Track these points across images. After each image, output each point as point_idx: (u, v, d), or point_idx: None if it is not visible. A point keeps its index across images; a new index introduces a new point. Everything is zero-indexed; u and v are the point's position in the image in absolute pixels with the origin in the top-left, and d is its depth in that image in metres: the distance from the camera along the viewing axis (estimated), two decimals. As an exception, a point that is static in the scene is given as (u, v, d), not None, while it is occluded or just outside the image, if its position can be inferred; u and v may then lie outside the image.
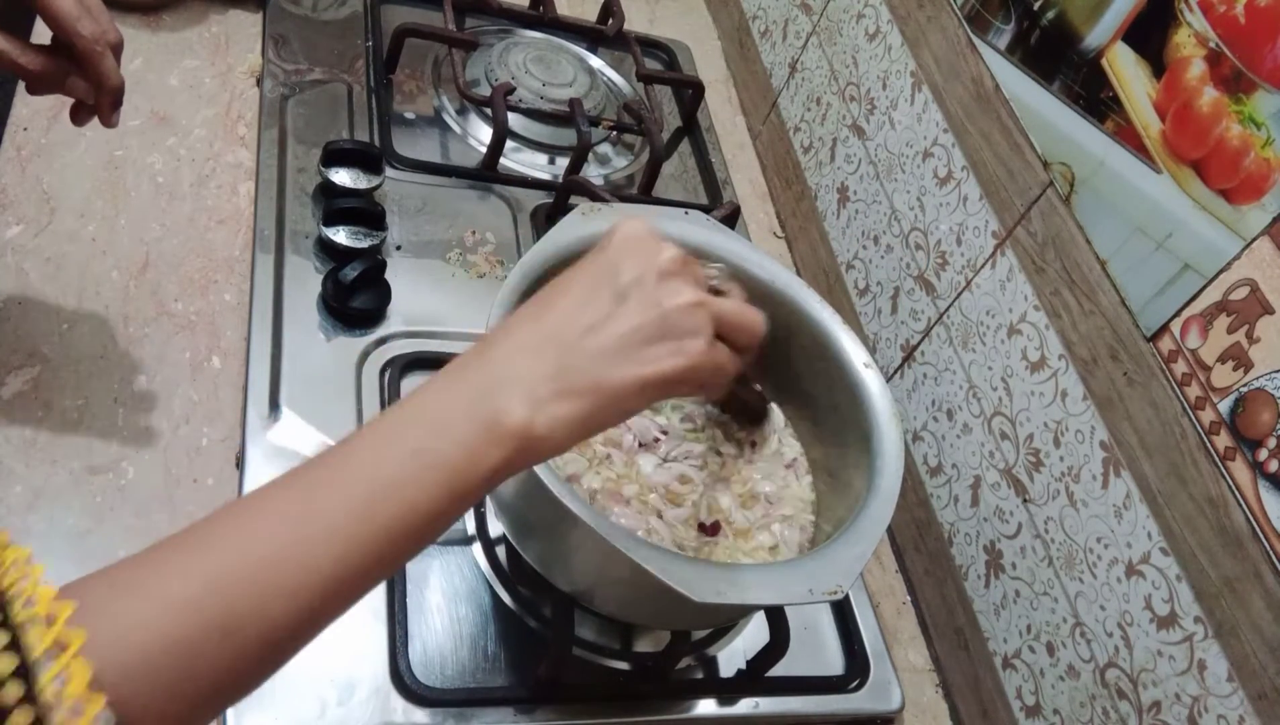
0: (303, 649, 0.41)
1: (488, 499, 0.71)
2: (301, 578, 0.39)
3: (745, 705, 0.71)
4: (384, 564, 0.42)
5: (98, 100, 0.62)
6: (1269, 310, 0.59)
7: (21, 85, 0.74)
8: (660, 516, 0.65)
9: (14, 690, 0.32)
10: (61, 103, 0.65)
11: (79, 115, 0.63)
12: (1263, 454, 0.59)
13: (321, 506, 0.41)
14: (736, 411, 0.73)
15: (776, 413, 0.75)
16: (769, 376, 0.75)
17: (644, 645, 0.72)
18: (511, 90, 0.98)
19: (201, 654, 0.37)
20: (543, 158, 1.00)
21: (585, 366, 0.45)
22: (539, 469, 0.54)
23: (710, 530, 0.66)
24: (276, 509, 0.41)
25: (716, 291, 0.53)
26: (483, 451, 0.43)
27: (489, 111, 0.96)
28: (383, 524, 0.41)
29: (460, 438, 0.43)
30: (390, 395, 0.76)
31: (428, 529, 0.43)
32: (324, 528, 0.40)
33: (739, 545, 0.67)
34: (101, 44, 0.59)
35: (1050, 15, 0.77)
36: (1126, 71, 0.70)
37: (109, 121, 0.63)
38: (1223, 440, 0.61)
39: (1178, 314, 0.65)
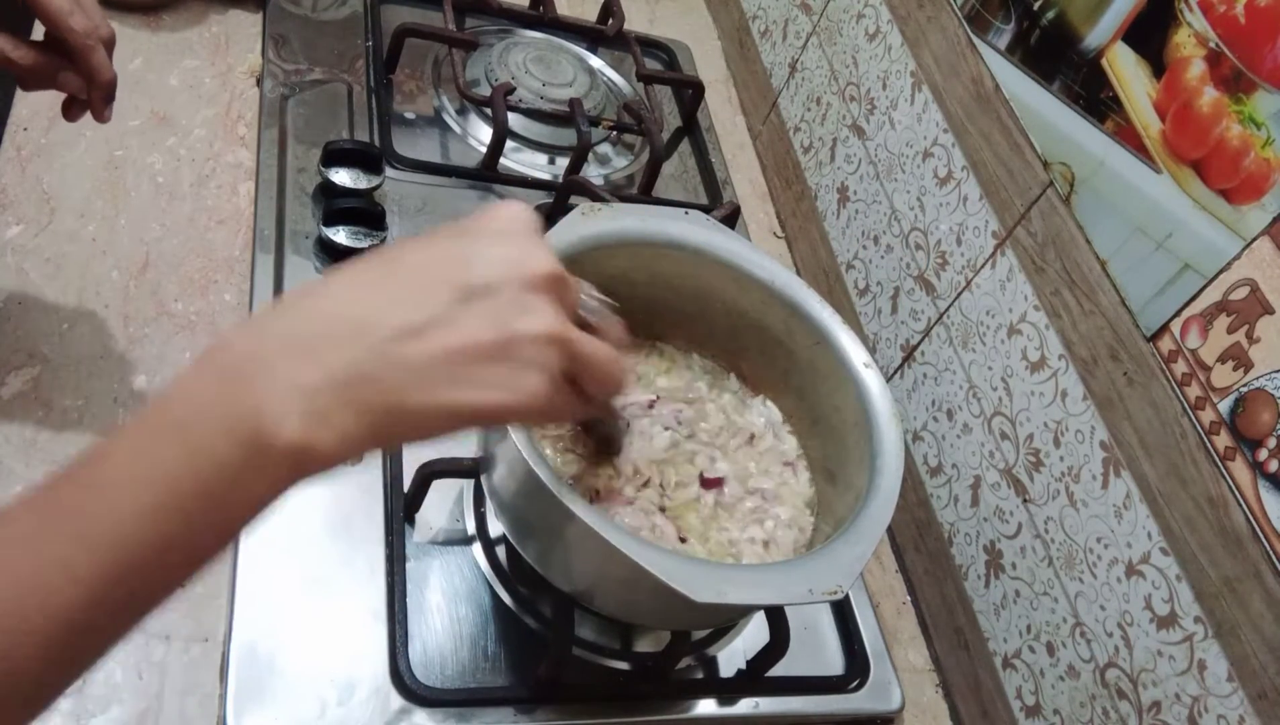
0: (55, 700, 0.36)
1: (487, 499, 0.71)
2: (39, 619, 0.33)
3: (745, 705, 0.71)
4: (130, 611, 0.36)
5: (90, 95, 0.62)
6: (1269, 310, 0.59)
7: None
8: (663, 511, 0.65)
9: None
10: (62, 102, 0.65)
11: (71, 110, 0.63)
12: (1263, 454, 0.59)
13: (59, 535, 0.34)
14: (593, 434, 0.67)
15: (772, 408, 0.75)
16: (768, 376, 0.75)
17: (644, 645, 0.72)
18: (511, 90, 0.98)
19: None
20: (543, 158, 1.00)
21: (388, 379, 0.37)
22: (539, 469, 0.54)
23: (712, 483, 0.67)
24: (17, 534, 0.35)
25: (587, 326, 0.46)
26: (248, 478, 0.36)
27: (489, 111, 0.96)
28: (127, 559, 0.34)
29: (219, 460, 0.35)
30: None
31: (183, 564, 0.37)
32: (62, 562, 0.34)
33: (732, 518, 0.67)
34: (93, 38, 0.59)
35: (1050, 15, 0.77)
36: (1126, 71, 0.70)
37: (102, 116, 0.63)
38: (1223, 440, 0.61)
39: (1178, 314, 0.65)
